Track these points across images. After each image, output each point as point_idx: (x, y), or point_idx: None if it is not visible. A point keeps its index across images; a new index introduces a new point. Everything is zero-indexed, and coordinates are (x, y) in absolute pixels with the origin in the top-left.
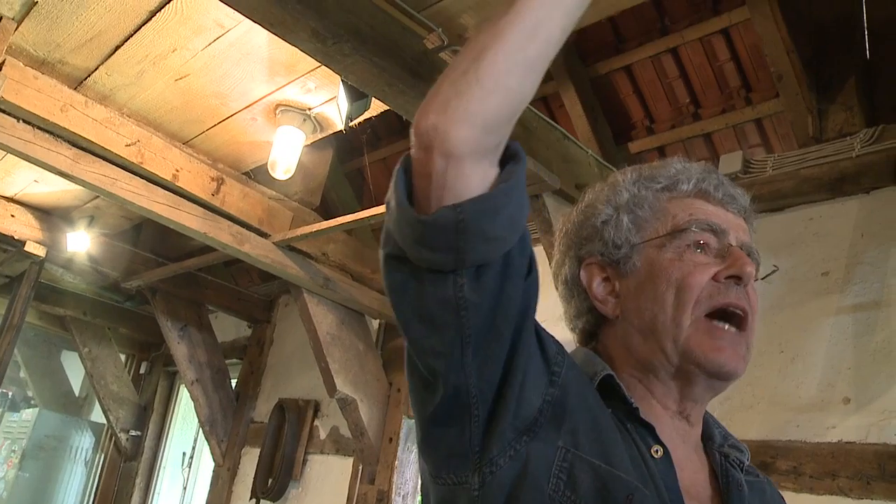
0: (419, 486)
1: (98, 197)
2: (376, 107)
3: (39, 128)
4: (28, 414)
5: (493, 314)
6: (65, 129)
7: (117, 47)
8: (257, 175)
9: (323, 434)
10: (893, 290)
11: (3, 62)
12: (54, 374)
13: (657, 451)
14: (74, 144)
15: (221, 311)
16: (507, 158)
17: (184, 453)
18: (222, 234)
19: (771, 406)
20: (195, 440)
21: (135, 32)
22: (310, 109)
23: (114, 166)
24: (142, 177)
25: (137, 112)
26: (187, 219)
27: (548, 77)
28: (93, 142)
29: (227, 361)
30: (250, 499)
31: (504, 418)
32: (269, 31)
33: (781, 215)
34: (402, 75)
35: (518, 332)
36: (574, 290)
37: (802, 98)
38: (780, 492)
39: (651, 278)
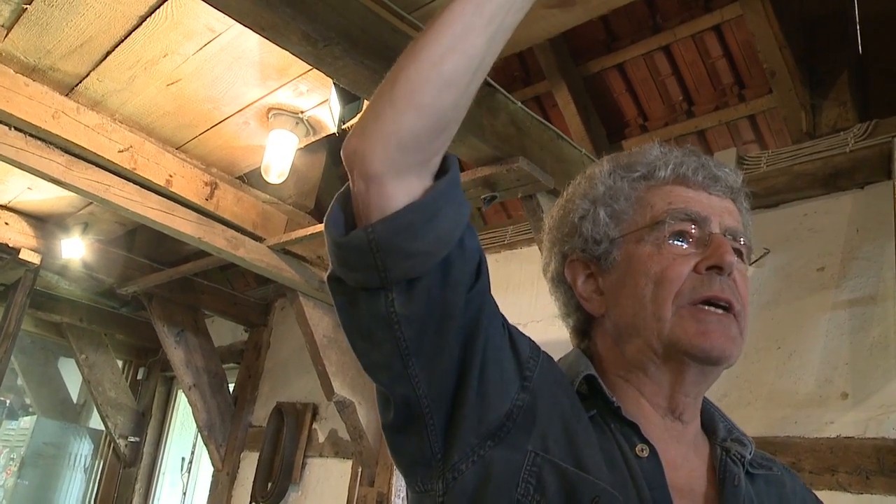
0: None
1: (92, 203)
2: None
3: (31, 135)
4: (26, 422)
5: (434, 325)
6: (57, 135)
7: (108, 53)
8: (251, 179)
9: (321, 437)
10: (889, 284)
11: None
12: (52, 382)
13: (643, 451)
14: (67, 151)
15: (217, 315)
16: (441, 172)
17: (183, 458)
18: (217, 239)
19: (769, 402)
20: (194, 445)
21: (125, 38)
22: (302, 112)
23: (107, 172)
24: (135, 182)
25: (129, 118)
26: (181, 224)
27: (540, 77)
28: (85, 148)
29: (224, 366)
30: (250, 503)
31: (464, 425)
32: (259, 34)
33: (776, 211)
34: None
35: (469, 340)
36: (561, 288)
37: (795, 94)
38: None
39: (630, 273)
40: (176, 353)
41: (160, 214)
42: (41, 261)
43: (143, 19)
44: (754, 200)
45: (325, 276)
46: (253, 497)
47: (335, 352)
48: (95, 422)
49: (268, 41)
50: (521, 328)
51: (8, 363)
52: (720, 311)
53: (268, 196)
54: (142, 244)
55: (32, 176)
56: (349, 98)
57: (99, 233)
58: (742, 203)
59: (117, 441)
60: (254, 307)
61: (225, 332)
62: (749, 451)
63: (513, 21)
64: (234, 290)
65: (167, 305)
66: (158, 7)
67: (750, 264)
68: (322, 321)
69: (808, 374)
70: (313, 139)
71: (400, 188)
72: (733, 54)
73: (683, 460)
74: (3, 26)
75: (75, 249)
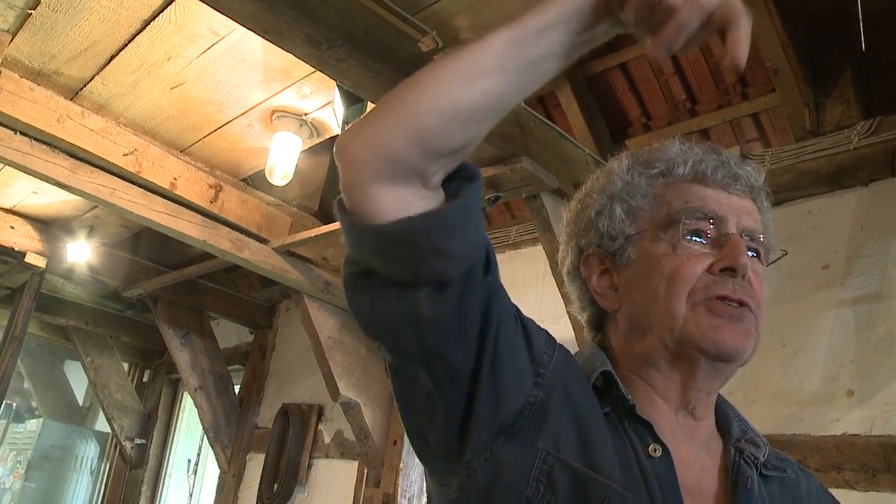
0: (424, 488)
1: (97, 207)
2: None
3: (36, 139)
4: (33, 424)
5: (456, 325)
6: (62, 139)
7: (112, 57)
8: (255, 181)
9: (327, 438)
10: (894, 282)
11: None
12: (58, 385)
13: (655, 450)
14: (72, 155)
15: (223, 317)
16: (465, 177)
17: (189, 460)
18: (221, 241)
19: (774, 400)
20: (200, 447)
21: (129, 42)
22: (306, 115)
23: (112, 176)
24: (140, 186)
25: (134, 121)
26: (186, 227)
27: None
28: (90, 152)
29: (229, 368)
30: None
31: (478, 422)
32: (263, 37)
33: (780, 209)
34: (397, 78)
35: (482, 335)
36: (576, 282)
37: (799, 92)
38: None
39: (645, 271)
40: (181, 356)
41: (165, 217)
42: (47, 264)
43: (146, 23)
44: None
45: (331, 277)
46: (259, 498)
47: (340, 353)
48: (101, 424)
49: (271, 44)
50: None
51: (14, 366)
52: (734, 304)
53: (272, 198)
54: (147, 247)
55: (38, 180)
56: (352, 100)
57: (104, 236)
58: (762, 202)
59: (123, 443)
60: (259, 309)
61: (230, 333)
62: (763, 452)
63: (551, 69)
64: (239, 292)
65: (172, 308)
66: (162, 11)
67: (766, 265)
68: (327, 322)
69: (813, 372)
70: (317, 141)
71: (386, 195)
72: None
73: (695, 459)
74: (8, 31)
75: (81, 253)
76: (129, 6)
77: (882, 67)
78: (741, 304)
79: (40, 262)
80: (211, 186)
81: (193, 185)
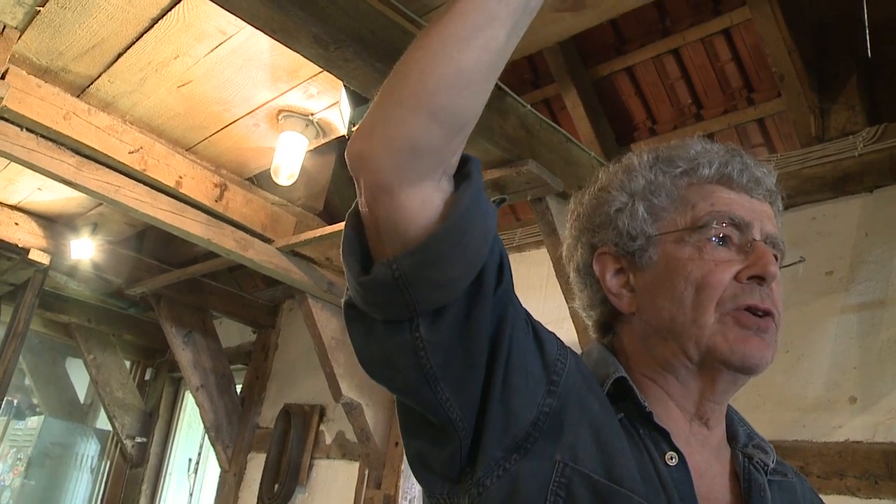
0: None
1: (101, 204)
2: None
3: (43, 136)
4: (33, 422)
5: (462, 343)
6: (68, 136)
7: (120, 55)
8: (260, 181)
9: (329, 439)
10: None
11: (7, 71)
12: (59, 382)
13: (672, 458)
14: (78, 152)
15: (226, 316)
16: (462, 176)
17: (189, 459)
18: (226, 241)
19: (777, 406)
20: (201, 446)
21: (137, 40)
22: (312, 115)
23: (117, 174)
24: (145, 184)
25: (140, 119)
26: (191, 225)
27: (550, 80)
28: (96, 149)
29: (231, 367)
30: None
31: (490, 438)
32: (270, 37)
33: (785, 214)
34: None
35: (493, 348)
36: (587, 280)
37: (804, 97)
38: None
39: (669, 275)
40: (184, 354)
41: (170, 216)
42: (50, 261)
43: (154, 21)
44: None
45: (334, 278)
46: (260, 498)
47: (343, 353)
48: (102, 422)
49: (279, 43)
50: None
51: (16, 363)
52: (759, 316)
53: (277, 198)
54: (151, 245)
55: (43, 176)
56: (359, 100)
57: (108, 233)
58: (778, 206)
59: (124, 441)
60: (262, 308)
61: (233, 333)
62: (772, 458)
63: (535, 6)
64: (243, 292)
65: (175, 306)
66: (170, 9)
67: (781, 268)
68: (330, 323)
69: (816, 378)
70: (323, 141)
71: (414, 197)
72: (742, 58)
73: (707, 467)
74: (16, 28)
75: (84, 250)
76: (137, 4)
77: (888, 74)
78: (767, 313)
79: (44, 258)
80: (216, 185)
81: (199, 184)
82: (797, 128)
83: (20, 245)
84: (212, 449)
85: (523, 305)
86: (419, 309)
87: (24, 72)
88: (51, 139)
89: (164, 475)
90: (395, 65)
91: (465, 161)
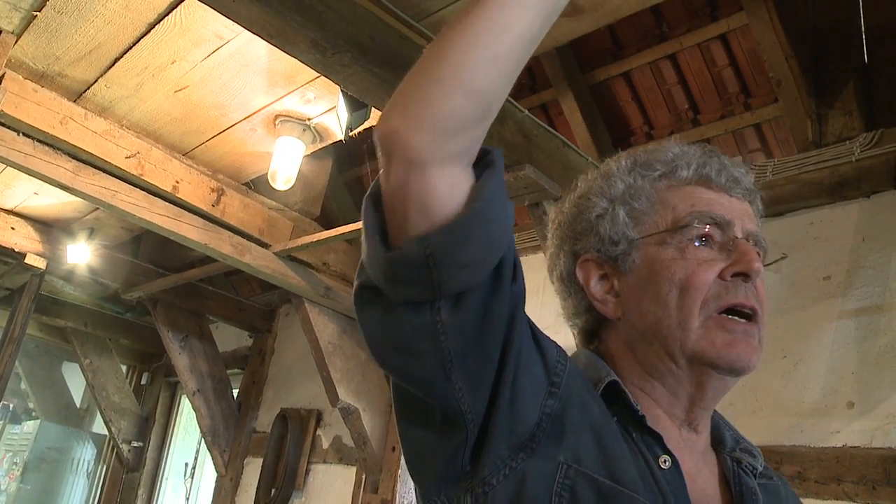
0: None
1: (98, 209)
2: (376, 116)
3: (39, 140)
4: (29, 426)
5: (479, 333)
6: (65, 141)
7: (116, 59)
8: (257, 185)
9: (325, 443)
10: (895, 293)
11: (3, 75)
12: (55, 386)
13: (665, 462)
14: (74, 157)
15: (222, 321)
16: (484, 164)
17: (186, 464)
18: (223, 245)
19: (775, 411)
20: (197, 451)
21: (134, 44)
22: (309, 120)
23: (114, 178)
24: (142, 188)
25: (137, 124)
26: (188, 230)
27: (547, 85)
28: (93, 154)
29: (228, 371)
30: None
31: (496, 436)
32: (268, 42)
33: (782, 220)
34: None
35: (506, 344)
36: (571, 288)
37: (801, 103)
38: None
39: (652, 277)
40: (180, 359)
41: (167, 220)
42: (47, 266)
43: (151, 26)
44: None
45: (331, 282)
46: (256, 503)
47: (340, 358)
48: (99, 426)
49: (276, 48)
50: None
51: (12, 367)
52: (744, 320)
53: (274, 203)
54: (147, 250)
55: (39, 181)
56: (357, 105)
57: (105, 238)
58: (757, 205)
59: (120, 446)
60: (258, 313)
61: (229, 337)
62: (760, 462)
63: (564, 2)
64: (239, 296)
65: (172, 311)
66: (167, 14)
67: (765, 266)
68: (327, 327)
69: (814, 383)
70: (320, 146)
71: (443, 178)
72: (739, 63)
73: (697, 471)
74: (12, 33)
75: (81, 254)
76: (134, 9)
77: (884, 79)
78: (753, 311)
79: (40, 263)
80: (213, 190)
81: (195, 189)
82: (794, 133)
83: (16, 249)
84: (208, 453)
85: None
86: (443, 290)
87: (20, 76)
88: (47, 144)
89: (161, 480)
90: (428, 47)
91: (485, 152)
